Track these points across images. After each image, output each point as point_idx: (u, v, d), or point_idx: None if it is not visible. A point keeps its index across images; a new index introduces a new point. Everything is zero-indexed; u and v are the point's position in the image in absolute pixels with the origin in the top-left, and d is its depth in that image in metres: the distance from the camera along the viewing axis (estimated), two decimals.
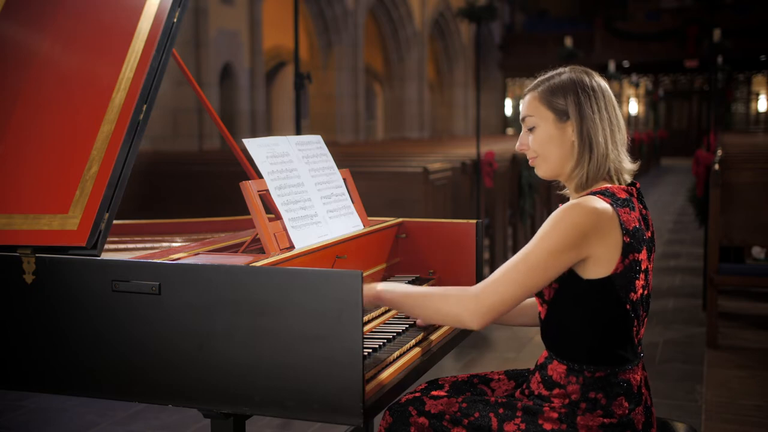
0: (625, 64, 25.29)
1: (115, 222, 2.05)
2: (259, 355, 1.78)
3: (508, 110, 28.80)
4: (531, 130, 1.99)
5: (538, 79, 2.01)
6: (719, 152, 6.60)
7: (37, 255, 1.97)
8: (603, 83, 1.97)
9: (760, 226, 5.13)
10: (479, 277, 2.60)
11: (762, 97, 27.36)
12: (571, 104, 1.92)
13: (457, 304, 1.88)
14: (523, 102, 2.02)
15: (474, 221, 2.60)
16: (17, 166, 2.11)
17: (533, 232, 8.57)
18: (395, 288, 2.00)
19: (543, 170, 2.00)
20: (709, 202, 5.22)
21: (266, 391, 1.79)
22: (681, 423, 2.06)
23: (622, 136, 1.96)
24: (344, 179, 2.56)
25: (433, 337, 2.20)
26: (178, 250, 2.20)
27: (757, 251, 5.41)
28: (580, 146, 1.92)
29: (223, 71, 13.18)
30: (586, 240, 1.81)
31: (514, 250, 7.89)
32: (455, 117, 24.39)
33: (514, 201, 7.84)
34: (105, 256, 1.99)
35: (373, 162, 7.30)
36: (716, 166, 5.21)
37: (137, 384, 1.90)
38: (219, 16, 12.82)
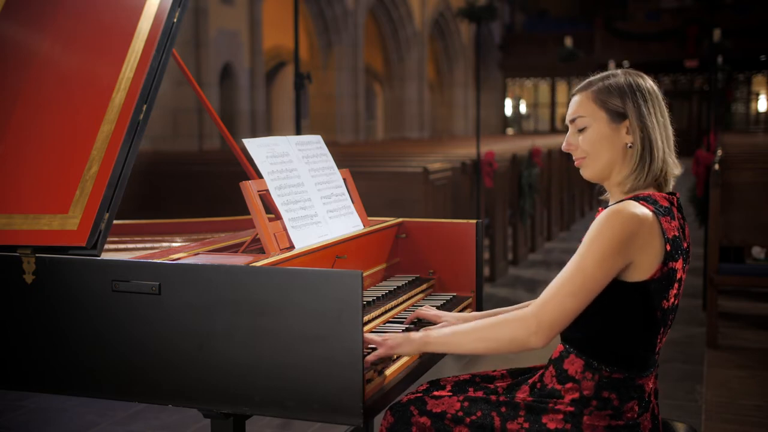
0: (625, 64, 25.24)
1: (115, 222, 2.05)
2: (259, 355, 1.78)
3: (508, 110, 28.79)
4: (581, 131, 1.96)
5: (590, 79, 1.99)
6: (719, 152, 6.60)
7: (37, 255, 1.97)
8: (656, 87, 1.95)
9: (760, 226, 5.13)
10: (479, 277, 2.60)
11: (762, 97, 27.35)
12: (630, 107, 1.90)
13: (518, 328, 1.83)
14: (572, 103, 1.99)
15: (474, 221, 2.60)
16: (17, 166, 2.11)
17: (533, 232, 8.57)
18: (439, 330, 1.95)
19: (590, 171, 1.97)
20: (709, 202, 5.22)
21: (266, 391, 1.79)
22: (681, 423, 2.06)
23: (673, 141, 1.95)
24: (344, 179, 2.56)
25: None
26: (178, 250, 2.20)
27: (757, 251, 5.41)
28: (641, 150, 1.90)
29: (223, 71, 13.18)
30: (629, 246, 1.80)
31: (514, 250, 7.89)
32: (455, 117, 24.38)
33: (514, 201, 7.84)
34: (105, 256, 1.99)
35: (373, 162, 7.30)
36: (716, 166, 5.21)
37: (137, 384, 1.90)
38: (219, 16, 12.82)
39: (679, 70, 26.35)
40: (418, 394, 2.02)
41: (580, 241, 1.89)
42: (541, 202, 9.05)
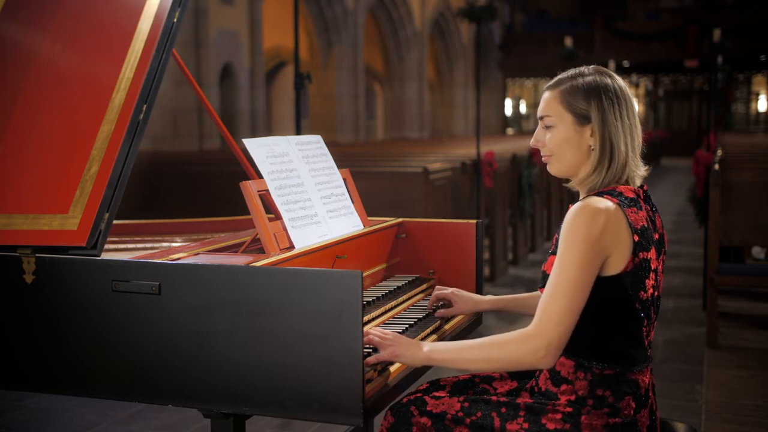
0: (625, 64, 25.28)
1: (115, 222, 2.05)
2: (259, 355, 1.78)
3: (508, 110, 28.78)
4: (548, 128, 1.98)
5: (560, 77, 1.99)
6: (719, 152, 6.60)
7: (37, 255, 1.97)
8: (625, 88, 1.95)
9: (760, 226, 5.12)
10: (479, 277, 2.60)
11: (762, 97, 27.35)
12: (594, 109, 1.91)
13: (522, 349, 1.82)
14: (542, 99, 1.99)
15: (474, 221, 2.60)
16: (17, 166, 2.11)
17: (533, 232, 8.57)
18: (444, 346, 1.94)
19: (555, 169, 2.00)
20: (709, 202, 5.22)
21: (266, 391, 1.79)
22: (681, 423, 2.06)
23: (639, 142, 1.95)
24: (344, 179, 2.56)
25: (433, 337, 2.21)
26: (178, 250, 2.20)
27: (757, 251, 5.41)
28: (600, 153, 1.91)
29: (223, 71, 13.17)
30: (603, 241, 1.81)
31: (515, 250, 7.89)
32: (455, 117, 24.37)
33: (514, 201, 7.84)
34: (105, 256, 1.99)
35: (373, 162, 7.30)
36: (716, 166, 5.21)
37: (137, 384, 1.90)
38: (219, 16, 12.81)
39: (679, 70, 26.35)
40: (418, 394, 2.02)
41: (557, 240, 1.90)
42: (541, 202, 9.05)
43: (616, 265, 1.84)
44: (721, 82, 18.34)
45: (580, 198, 1.96)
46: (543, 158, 2.02)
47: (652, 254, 1.88)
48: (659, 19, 26.96)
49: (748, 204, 5.13)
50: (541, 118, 1.99)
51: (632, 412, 1.88)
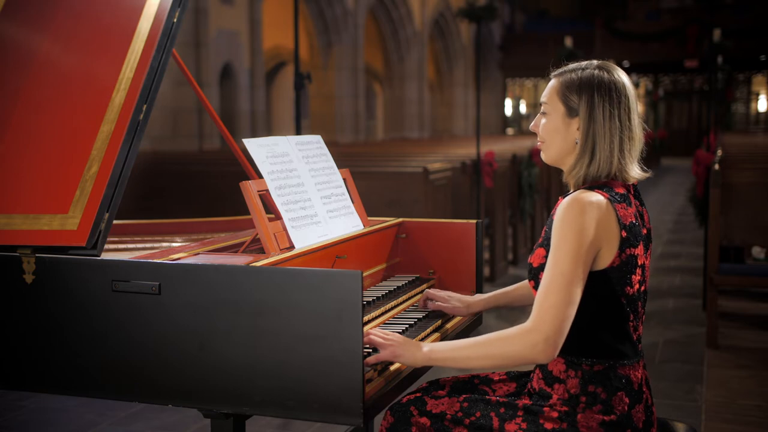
0: (625, 64, 25.25)
1: (115, 222, 2.05)
2: (259, 355, 1.78)
3: (508, 110, 28.78)
4: (544, 114, 2.00)
5: (566, 66, 2.00)
6: (719, 152, 6.60)
7: (37, 255, 1.97)
8: (627, 87, 1.93)
9: (760, 226, 5.13)
10: (479, 277, 2.60)
11: (762, 97, 27.34)
12: (583, 104, 1.91)
13: (521, 344, 1.81)
14: (547, 85, 2.02)
15: (474, 221, 2.60)
16: (17, 166, 2.11)
17: (533, 232, 8.57)
18: (444, 345, 1.94)
19: (546, 156, 2.03)
20: (709, 202, 5.22)
21: (266, 391, 1.79)
22: (681, 423, 2.06)
23: (634, 145, 1.93)
24: (344, 179, 2.56)
25: (434, 337, 2.21)
26: (178, 250, 2.20)
27: (757, 251, 5.40)
28: (582, 148, 1.92)
29: (223, 71, 13.17)
30: (595, 234, 1.82)
31: (515, 250, 7.89)
32: (455, 117, 24.37)
33: (514, 201, 7.84)
34: (105, 256, 1.99)
35: (373, 162, 7.30)
36: (716, 166, 5.21)
37: (137, 384, 1.90)
38: (219, 16, 12.81)
39: (679, 70, 26.34)
40: (418, 394, 2.02)
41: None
42: (541, 202, 9.05)
43: (605, 260, 1.85)
44: (721, 82, 18.33)
45: (570, 191, 1.97)
46: (538, 144, 2.05)
47: (639, 250, 1.89)
48: (659, 19, 26.97)
49: (748, 204, 5.14)
50: (541, 103, 2.03)
51: (626, 407, 1.88)
